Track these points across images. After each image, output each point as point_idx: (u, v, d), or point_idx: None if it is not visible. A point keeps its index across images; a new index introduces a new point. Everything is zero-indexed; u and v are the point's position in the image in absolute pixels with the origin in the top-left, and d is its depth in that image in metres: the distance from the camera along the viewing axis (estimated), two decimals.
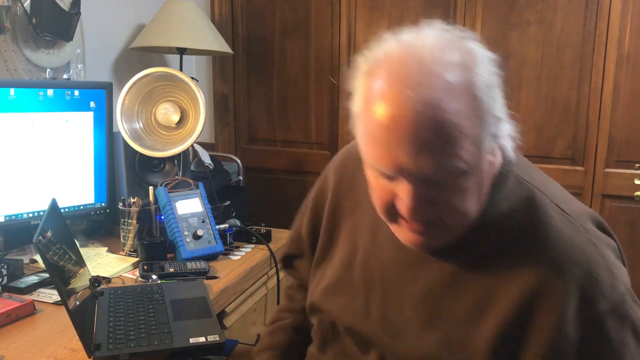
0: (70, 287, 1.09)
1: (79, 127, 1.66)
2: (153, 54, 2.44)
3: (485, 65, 0.73)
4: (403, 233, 0.79)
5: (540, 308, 0.74)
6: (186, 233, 1.57)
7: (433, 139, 0.67)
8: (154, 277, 1.41)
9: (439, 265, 0.82)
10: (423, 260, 0.83)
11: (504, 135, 0.76)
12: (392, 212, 0.76)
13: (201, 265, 1.48)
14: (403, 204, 0.73)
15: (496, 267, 0.78)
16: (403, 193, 0.72)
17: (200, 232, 1.58)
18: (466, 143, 0.68)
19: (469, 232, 0.79)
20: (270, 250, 1.70)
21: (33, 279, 1.37)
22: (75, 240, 1.33)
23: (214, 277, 1.47)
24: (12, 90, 1.49)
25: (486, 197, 0.78)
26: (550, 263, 0.74)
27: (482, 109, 0.70)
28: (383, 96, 0.70)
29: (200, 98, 1.74)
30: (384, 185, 0.75)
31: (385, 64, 0.72)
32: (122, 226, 1.61)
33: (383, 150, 0.70)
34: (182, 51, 2.23)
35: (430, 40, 0.71)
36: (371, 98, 0.71)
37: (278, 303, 1.77)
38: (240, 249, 1.71)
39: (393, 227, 0.81)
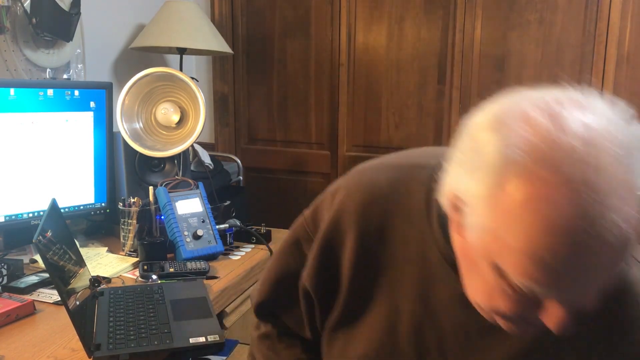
0: (70, 287, 1.09)
1: (79, 127, 1.66)
2: (153, 54, 2.44)
3: None
4: (511, 327, 0.64)
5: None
6: (186, 233, 1.57)
7: (614, 268, 0.55)
8: (154, 277, 1.41)
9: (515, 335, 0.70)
10: (495, 327, 0.67)
11: None
12: (517, 317, 0.61)
13: (201, 265, 1.48)
14: (552, 318, 0.58)
15: (584, 341, 0.70)
16: (555, 319, 0.58)
17: (200, 232, 1.58)
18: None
19: None
20: (270, 250, 1.70)
21: (33, 279, 1.37)
22: (75, 240, 1.33)
23: (214, 277, 1.47)
24: (12, 90, 1.49)
25: None
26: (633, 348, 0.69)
27: None
28: (553, 205, 0.52)
29: (200, 98, 1.74)
30: (520, 300, 0.59)
31: (549, 159, 0.53)
32: (122, 226, 1.61)
33: (552, 274, 0.54)
34: (182, 51, 2.23)
35: (606, 130, 0.55)
36: (543, 208, 0.52)
37: None
38: (240, 249, 1.71)
39: (494, 317, 0.65)
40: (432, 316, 0.74)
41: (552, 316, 0.58)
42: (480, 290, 0.63)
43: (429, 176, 0.73)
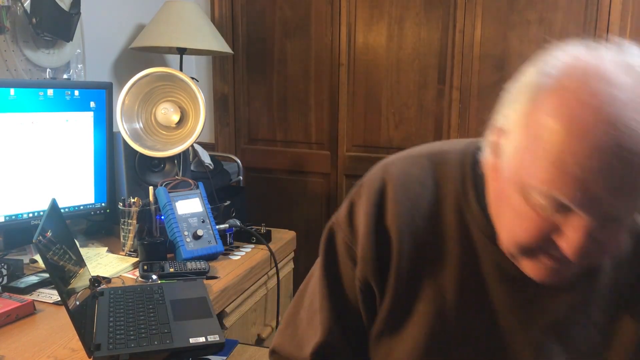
0: (70, 287, 1.09)
1: (79, 127, 1.66)
2: (153, 54, 2.44)
3: None
4: (538, 271, 0.68)
5: None
6: (186, 233, 1.57)
7: None
8: (154, 277, 1.41)
9: (556, 300, 0.75)
10: (538, 298, 0.75)
11: None
12: (538, 248, 0.65)
13: (201, 265, 1.48)
14: (569, 241, 0.62)
15: (615, 296, 0.76)
16: (574, 229, 0.61)
17: (200, 232, 1.58)
18: None
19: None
20: (270, 250, 1.70)
21: (33, 279, 1.37)
22: (75, 240, 1.33)
23: (214, 277, 1.47)
24: (12, 90, 1.49)
25: None
26: None
27: None
28: (583, 116, 0.57)
29: (200, 98, 1.74)
30: (545, 216, 0.63)
31: (583, 78, 0.59)
32: (122, 226, 1.61)
33: (574, 179, 0.58)
34: (182, 51, 2.23)
35: (637, 60, 0.61)
36: (568, 114, 0.58)
37: (278, 303, 1.77)
38: (240, 249, 1.71)
39: (524, 262, 0.69)
40: (480, 295, 0.76)
41: (571, 239, 0.61)
42: (507, 226, 0.68)
43: (460, 159, 0.78)
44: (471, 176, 0.76)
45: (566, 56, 0.62)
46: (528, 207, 0.63)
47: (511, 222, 0.67)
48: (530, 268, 0.69)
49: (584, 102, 0.57)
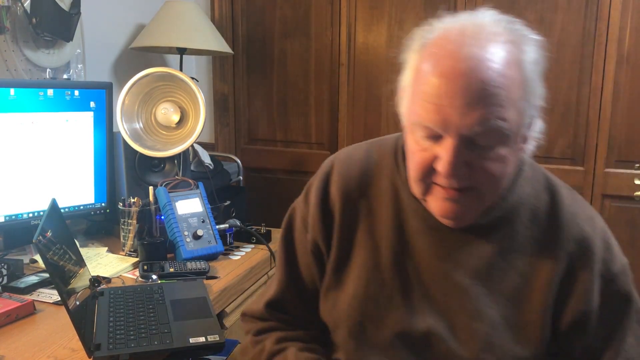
0: (70, 287, 1.09)
1: (79, 127, 1.66)
2: (153, 54, 2.44)
3: (535, 49, 0.80)
4: (437, 203, 0.83)
5: (575, 277, 0.85)
6: (186, 233, 1.57)
7: (482, 94, 0.73)
8: (154, 277, 1.41)
9: (478, 249, 0.87)
10: (460, 247, 0.88)
11: (535, 130, 0.84)
12: (429, 176, 0.81)
13: (201, 265, 1.48)
14: (442, 161, 0.77)
15: (532, 244, 0.87)
16: (445, 150, 0.77)
17: (200, 232, 1.58)
18: (511, 108, 0.75)
19: (501, 214, 0.87)
20: (270, 250, 1.70)
21: (33, 279, 1.37)
22: (75, 240, 1.33)
23: (214, 277, 1.47)
24: (12, 90, 1.49)
25: (511, 179, 0.86)
26: (579, 233, 0.86)
27: (527, 85, 0.77)
28: (439, 56, 0.76)
29: (200, 98, 1.74)
30: (426, 147, 0.79)
31: (443, 34, 0.79)
32: (122, 226, 1.61)
33: (434, 105, 0.75)
34: (182, 51, 2.23)
35: (487, 18, 0.80)
36: (427, 61, 0.77)
37: None
38: (240, 249, 1.71)
39: (428, 200, 0.84)
40: (407, 246, 0.90)
41: (443, 160, 0.77)
42: (409, 169, 0.85)
43: (395, 138, 0.98)
44: (402, 150, 0.93)
45: (437, 22, 0.82)
46: (415, 143, 0.81)
47: (410, 163, 0.84)
48: (433, 205, 0.84)
49: (443, 47, 0.77)
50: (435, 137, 0.78)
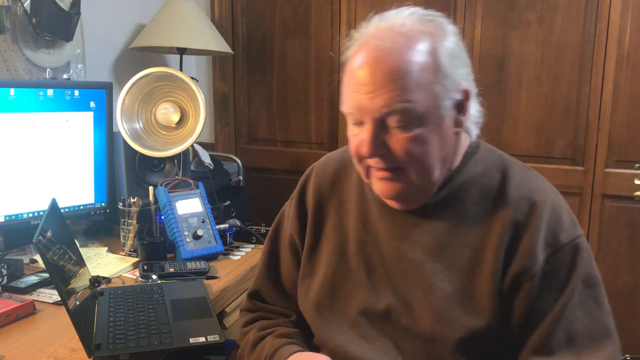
0: (70, 287, 1.09)
1: (79, 127, 1.66)
2: (153, 54, 2.44)
3: (451, 38, 0.88)
4: (376, 184, 0.92)
5: (519, 240, 0.88)
6: (186, 233, 1.57)
7: (387, 79, 0.83)
8: (154, 277, 1.41)
9: (430, 227, 0.94)
10: (414, 227, 0.95)
11: (471, 114, 0.91)
12: (363, 159, 0.90)
13: (201, 265, 1.48)
14: (363, 142, 0.87)
15: (482, 219, 0.92)
16: (364, 133, 0.87)
17: (200, 232, 1.58)
18: (418, 91, 0.83)
19: (450, 192, 0.93)
20: None
21: (33, 279, 1.37)
22: (75, 240, 1.33)
23: (214, 277, 1.47)
24: (12, 90, 1.49)
25: (459, 163, 0.94)
26: (526, 202, 0.90)
27: (440, 69, 0.85)
28: (358, 52, 0.87)
29: (200, 98, 1.74)
30: (356, 133, 0.90)
31: (365, 32, 0.89)
32: (122, 226, 1.61)
33: (352, 94, 0.87)
34: (182, 51, 2.23)
35: (405, 13, 0.89)
36: (352, 57, 0.89)
37: None
38: (240, 249, 1.71)
39: (370, 182, 0.94)
40: (370, 232, 0.99)
41: (364, 140, 0.87)
42: (350, 151, 0.93)
43: None
44: None
45: (366, 23, 0.91)
46: (350, 131, 0.92)
47: (350, 146, 0.93)
48: (375, 187, 0.93)
49: (362, 44, 0.87)
50: (360, 123, 0.88)
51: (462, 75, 0.88)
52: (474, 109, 0.92)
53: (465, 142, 0.96)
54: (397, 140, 0.86)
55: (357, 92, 0.86)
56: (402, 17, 0.88)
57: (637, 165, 2.13)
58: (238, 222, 1.75)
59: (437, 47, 0.85)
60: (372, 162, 0.89)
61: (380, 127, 0.86)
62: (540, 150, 2.26)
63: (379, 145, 0.87)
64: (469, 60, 0.91)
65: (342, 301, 0.99)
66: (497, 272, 0.89)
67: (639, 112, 2.12)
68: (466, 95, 0.89)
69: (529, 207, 0.90)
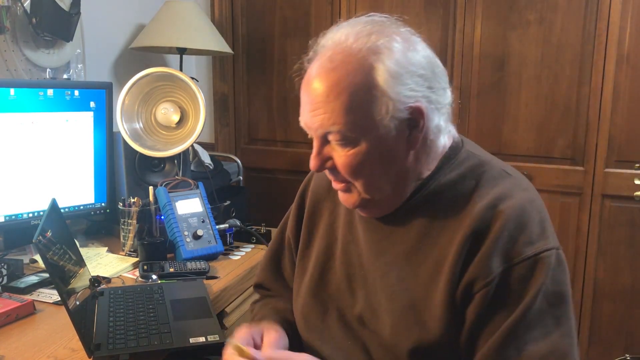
0: (70, 287, 1.09)
1: (79, 127, 1.66)
2: (153, 54, 2.44)
3: (396, 55, 0.83)
4: (339, 195, 0.95)
5: (477, 250, 0.83)
6: (186, 233, 1.57)
7: (319, 99, 0.84)
8: (154, 277, 1.41)
9: (402, 234, 0.92)
10: (388, 234, 0.94)
11: (434, 126, 0.87)
12: (318, 166, 0.91)
13: (201, 265, 1.48)
14: (311, 156, 0.89)
15: (449, 228, 0.88)
16: (313, 148, 0.89)
17: (200, 232, 1.58)
18: (350, 114, 0.83)
19: (421, 200, 0.91)
20: None
21: (33, 279, 1.37)
22: (75, 240, 1.33)
23: (214, 277, 1.47)
24: (12, 90, 1.49)
25: (432, 169, 0.91)
26: (490, 210, 0.85)
27: (377, 89, 0.82)
28: (309, 67, 0.88)
29: (200, 98, 1.74)
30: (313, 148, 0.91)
31: (320, 44, 0.88)
32: (122, 226, 1.61)
33: (301, 109, 0.88)
34: (182, 51, 2.23)
35: (356, 25, 0.86)
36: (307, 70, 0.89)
37: None
38: (240, 249, 1.71)
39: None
40: (354, 237, 0.99)
41: (311, 155, 0.89)
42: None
43: None
44: None
45: (322, 36, 0.89)
46: (313, 144, 0.90)
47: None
48: (339, 196, 0.95)
49: (313, 59, 0.88)
50: (312, 137, 0.90)
51: (409, 92, 0.83)
52: (440, 119, 0.88)
53: (442, 146, 0.92)
54: (339, 156, 0.87)
55: (303, 108, 0.88)
56: (350, 30, 0.86)
57: (637, 165, 2.13)
58: (238, 222, 1.75)
59: (376, 66, 0.82)
60: (327, 174, 0.92)
61: (325, 142, 0.88)
62: (540, 150, 2.26)
63: (324, 160, 0.89)
64: (432, 72, 0.86)
65: (325, 303, 1.00)
66: (453, 283, 0.85)
67: (639, 112, 2.12)
68: (417, 113, 0.84)
69: (492, 215, 0.84)
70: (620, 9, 2.07)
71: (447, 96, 0.89)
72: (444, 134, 0.90)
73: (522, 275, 0.82)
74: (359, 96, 0.82)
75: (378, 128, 0.84)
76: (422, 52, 0.86)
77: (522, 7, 2.20)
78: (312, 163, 0.89)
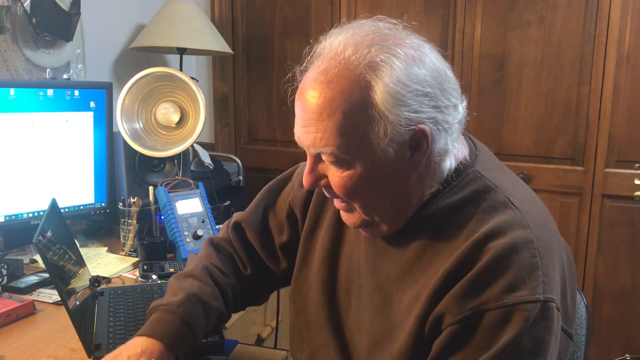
0: (70, 287, 1.09)
1: (79, 127, 1.66)
2: (153, 54, 2.44)
3: (399, 71, 0.75)
4: (342, 216, 0.89)
5: (455, 282, 0.76)
6: (186, 233, 1.57)
7: (312, 117, 0.78)
8: (154, 277, 1.41)
9: (396, 256, 0.87)
10: (383, 251, 0.89)
11: (440, 148, 0.80)
12: (312, 181, 0.87)
13: None
14: (305, 172, 0.85)
15: (439, 258, 0.80)
16: (307, 164, 0.85)
17: (200, 232, 1.58)
18: (343, 136, 0.76)
19: (417, 223, 0.84)
20: None
21: (33, 279, 1.37)
22: (75, 240, 1.33)
23: None
24: (12, 90, 1.49)
25: (433, 191, 0.83)
26: (478, 243, 0.76)
27: (374, 110, 0.75)
28: (305, 75, 0.82)
29: (200, 98, 1.74)
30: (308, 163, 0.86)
31: (318, 49, 0.82)
32: (122, 226, 1.61)
33: (295, 122, 0.84)
34: (182, 51, 2.23)
35: (352, 37, 0.79)
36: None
37: (278, 303, 1.77)
38: None
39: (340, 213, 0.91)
40: (357, 244, 0.94)
41: (305, 171, 0.84)
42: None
43: None
44: None
45: (323, 39, 0.83)
46: (308, 161, 0.85)
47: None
48: (341, 215, 0.89)
49: (310, 67, 0.82)
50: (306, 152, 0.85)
51: (411, 114, 0.75)
52: (447, 139, 0.80)
53: (449, 168, 0.83)
54: (333, 176, 0.81)
55: (296, 122, 0.83)
56: (350, 39, 0.78)
57: (637, 165, 2.13)
58: None
59: (373, 84, 0.74)
60: (306, 185, 0.85)
61: (319, 160, 0.82)
62: (540, 150, 2.26)
63: (318, 177, 0.83)
64: (440, 89, 0.78)
65: (324, 309, 0.97)
66: (425, 316, 0.79)
67: (639, 112, 2.12)
68: (421, 135, 0.77)
69: (479, 253, 0.76)
70: (620, 9, 2.07)
71: (458, 113, 0.81)
72: (451, 154, 0.82)
73: (494, 323, 0.73)
74: (354, 117, 0.75)
75: (375, 151, 0.77)
76: (430, 66, 0.77)
77: (522, 7, 2.20)
78: (305, 180, 0.84)
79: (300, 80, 0.83)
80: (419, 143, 0.78)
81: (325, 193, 0.87)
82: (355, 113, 0.76)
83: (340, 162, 0.79)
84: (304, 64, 0.84)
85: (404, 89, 0.75)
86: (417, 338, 0.80)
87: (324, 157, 0.81)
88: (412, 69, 0.76)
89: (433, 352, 0.78)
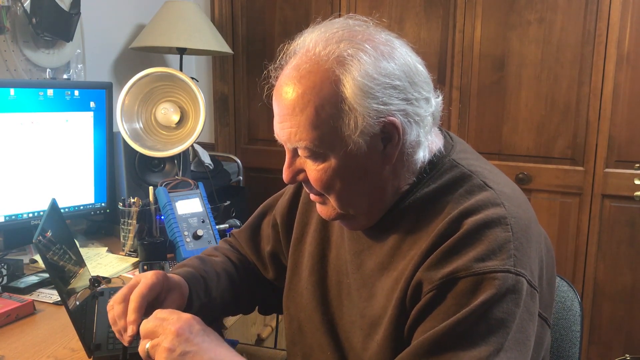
0: (70, 287, 1.09)
1: (79, 127, 1.66)
2: (153, 54, 2.44)
3: (366, 65, 0.78)
4: (318, 208, 0.91)
5: (431, 254, 0.79)
6: (186, 233, 1.57)
7: (286, 112, 0.81)
8: None
9: (378, 249, 0.89)
10: (366, 247, 0.92)
11: (411, 140, 0.82)
12: (290, 176, 0.89)
13: None
14: (284, 167, 0.87)
15: (418, 242, 0.83)
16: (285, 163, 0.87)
17: (200, 232, 1.58)
18: (315, 129, 0.79)
19: (396, 215, 0.87)
20: None
21: (33, 279, 1.37)
22: (75, 240, 1.33)
23: None
24: (12, 90, 1.49)
25: (410, 183, 0.86)
26: (454, 220, 0.80)
27: (344, 103, 0.78)
28: (281, 73, 0.85)
29: (200, 98, 1.74)
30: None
31: (292, 47, 0.86)
32: (122, 226, 1.61)
33: (274, 121, 0.86)
34: (182, 51, 2.23)
35: (323, 33, 0.83)
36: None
37: None
38: None
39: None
40: (344, 245, 0.96)
41: (285, 164, 0.86)
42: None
43: None
44: None
45: (298, 37, 0.87)
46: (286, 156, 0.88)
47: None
48: (317, 208, 0.92)
49: (286, 64, 0.85)
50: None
51: (380, 106, 0.78)
52: (420, 132, 0.82)
53: (422, 159, 0.85)
54: (309, 170, 0.84)
55: (274, 118, 0.85)
56: (320, 35, 0.82)
57: (637, 165, 2.13)
58: (238, 222, 1.75)
59: (342, 78, 0.77)
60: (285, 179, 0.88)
61: (296, 154, 0.85)
62: (540, 150, 2.26)
63: (296, 172, 0.86)
64: (410, 82, 0.80)
65: (314, 312, 0.98)
66: (404, 291, 0.82)
67: (639, 112, 2.12)
68: (391, 127, 0.79)
69: (454, 229, 0.79)
70: (620, 9, 2.08)
71: (430, 106, 0.83)
72: (424, 146, 0.84)
73: (466, 289, 0.75)
74: (325, 110, 0.78)
75: (347, 144, 0.79)
76: (399, 60, 0.81)
77: (522, 7, 2.20)
78: (284, 175, 0.87)
79: (276, 78, 0.86)
80: (390, 135, 0.80)
81: (305, 188, 0.90)
82: (326, 107, 0.78)
83: (315, 155, 0.82)
84: (277, 62, 0.87)
85: (372, 82, 0.78)
86: (399, 320, 0.82)
87: (300, 152, 0.84)
88: (381, 62, 0.79)
89: (410, 319, 0.81)
